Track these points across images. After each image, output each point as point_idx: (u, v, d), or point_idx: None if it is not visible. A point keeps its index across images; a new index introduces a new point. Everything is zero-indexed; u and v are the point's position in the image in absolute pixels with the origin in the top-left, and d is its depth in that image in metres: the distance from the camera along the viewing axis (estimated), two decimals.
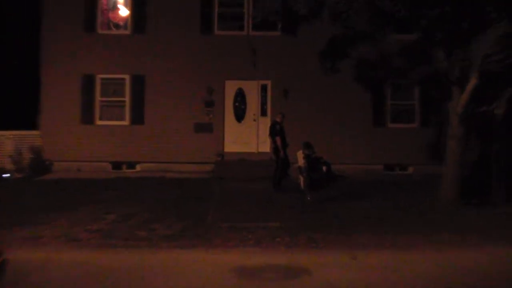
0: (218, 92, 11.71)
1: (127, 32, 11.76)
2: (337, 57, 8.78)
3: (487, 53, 7.07)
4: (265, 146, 11.47)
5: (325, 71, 9.07)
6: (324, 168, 8.17)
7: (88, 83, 11.58)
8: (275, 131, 9.03)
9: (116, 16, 11.86)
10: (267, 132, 9.82)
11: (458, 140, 7.78)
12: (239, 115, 11.97)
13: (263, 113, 11.93)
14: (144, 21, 11.65)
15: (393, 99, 11.82)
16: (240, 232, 6.00)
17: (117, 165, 11.62)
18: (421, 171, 11.22)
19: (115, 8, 11.81)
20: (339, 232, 6.08)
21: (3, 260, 3.87)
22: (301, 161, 8.25)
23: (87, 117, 11.58)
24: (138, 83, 11.66)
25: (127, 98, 11.70)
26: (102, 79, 11.68)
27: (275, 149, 9.10)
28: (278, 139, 8.92)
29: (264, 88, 11.96)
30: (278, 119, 9.23)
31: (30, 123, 11.70)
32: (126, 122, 11.69)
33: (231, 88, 11.93)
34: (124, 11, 11.77)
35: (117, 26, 11.91)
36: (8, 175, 10.82)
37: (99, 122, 11.66)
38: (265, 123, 11.54)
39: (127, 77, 11.69)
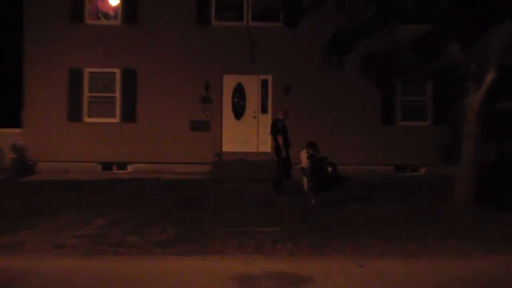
0: (215, 88, 11.70)
1: (118, 22, 11.75)
2: (343, 50, 8.74)
3: (505, 45, 7.04)
4: (266, 146, 11.48)
5: (330, 65, 9.05)
6: (329, 169, 8.20)
7: (75, 77, 11.58)
8: (277, 129, 9.03)
9: (106, 6, 11.85)
10: (268, 131, 9.81)
11: (473, 139, 7.77)
12: (238, 112, 11.97)
13: (264, 110, 11.93)
14: (135, 11, 11.65)
15: (404, 95, 11.81)
16: (239, 237, 5.99)
17: (107, 166, 11.63)
18: (434, 172, 11.22)
19: None
20: (345, 237, 6.07)
21: None
22: (304, 162, 8.25)
23: (74, 114, 11.57)
24: (129, 77, 11.66)
25: (117, 94, 11.70)
26: (91, 73, 11.67)
27: (276, 148, 9.10)
28: (280, 137, 8.91)
29: (264, 83, 11.95)
30: (280, 117, 9.23)
31: (12, 121, 11.69)
32: (116, 120, 11.69)
33: (229, 83, 11.93)
34: (114, 0, 11.75)
35: (106, 16, 11.90)
36: None
37: (87, 120, 11.66)
38: (266, 121, 11.55)
39: (117, 71, 11.69)
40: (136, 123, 11.64)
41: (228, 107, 11.93)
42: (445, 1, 6.87)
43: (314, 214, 7.35)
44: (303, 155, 8.32)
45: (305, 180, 8.26)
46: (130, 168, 11.67)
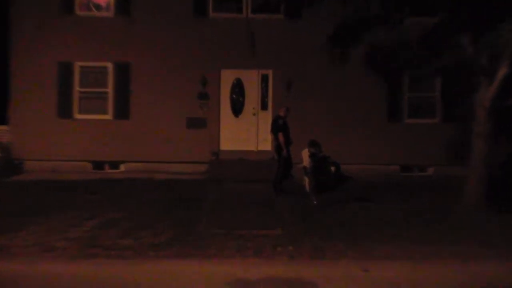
0: (213, 83, 11.69)
1: (110, 14, 11.71)
2: (348, 43, 8.73)
3: None
4: (266, 144, 11.48)
5: (334, 59, 9.05)
6: (332, 168, 8.20)
7: (65, 71, 11.55)
8: (278, 126, 9.02)
9: None
10: (268, 128, 9.81)
11: (484, 137, 7.76)
12: (237, 109, 11.96)
13: (264, 106, 11.92)
14: (129, 1, 11.61)
15: (411, 91, 11.80)
16: (237, 240, 5.99)
17: (98, 165, 11.62)
18: (442, 172, 11.23)
19: None
20: (349, 240, 6.07)
21: None
22: (306, 161, 8.25)
23: (64, 110, 11.55)
24: (123, 72, 11.63)
25: (110, 89, 11.68)
26: (81, 67, 11.65)
27: (277, 147, 9.10)
28: (280, 135, 8.91)
29: (265, 79, 11.94)
30: (281, 114, 9.21)
31: None
32: (108, 116, 11.68)
33: (227, 78, 11.91)
34: None
35: (98, 7, 11.86)
36: None
37: (78, 116, 11.64)
38: (266, 118, 11.54)
39: (109, 65, 11.67)
40: (129, 120, 11.63)
41: (226, 104, 11.91)
42: None
43: (316, 216, 7.34)
44: (305, 154, 8.31)
45: (306, 180, 8.26)
46: (123, 167, 11.66)
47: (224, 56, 11.66)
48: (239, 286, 4.66)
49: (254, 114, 11.91)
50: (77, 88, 11.64)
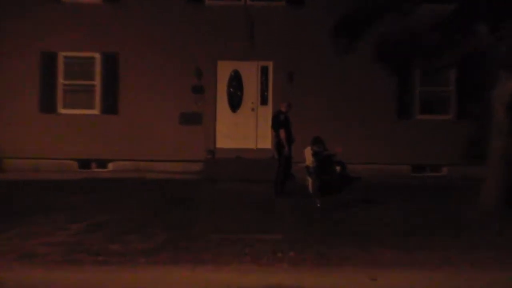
0: (208, 75, 11.68)
1: (97, 0, 11.68)
2: (355, 33, 8.70)
3: None
4: (266, 141, 11.48)
5: (340, 50, 9.02)
6: (337, 168, 8.15)
7: (48, 62, 11.53)
8: (279, 122, 9.01)
9: None
10: (269, 124, 9.79)
11: (503, 135, 7.74)
12: (234, 104, 11.94)
13: (264, 101, 11.91)
14: None
15: (423, 85, 11.80)
16: (235, 246, 5.97)
17: (85, 164, 11.61)
18: (457, 173, 11.24)
19: None
20: (356, 246, 6.05)
21: None
22: (309, 160, 8.23)
23: (48, 104, 11.54)
24: (111, 63, 11.61)
25: (97, 82, 11.67)
26: (66, 57, 11.64)
27: (278, 144, 9.08)
28: (282, 132, 8.90)
29: (264, 71, 11.92)
30: (283, 109, 9.21)
31: None
32: (96, 111, 11.66)
33: (224, 70, 11.90)
34: None
35: None
36: None
37: (62, 111, 11.62)
38: (266, 114, 11.54)
39: (97, 55, 11.64)
40: (118, 115, 11.62)
41: (223, 98, 11.89)
42: None
43: (320, 219, 7.33)
44: (308, 152, 8.29)
45: (309, 181, 8.24)
46: (111, 166, 11.65)
47: (220, 47, 11.64)
48: None
49: (253, 109, 11.89)
50: (61, 80, 11.62)
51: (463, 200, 8.36)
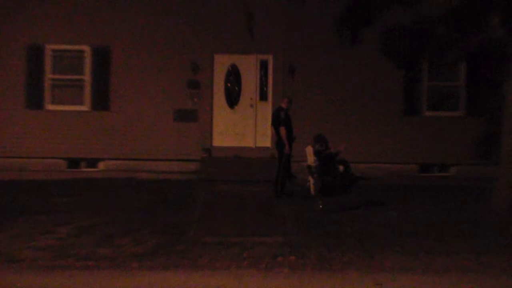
0: (204, 70, 11.65)
1: None
2: (360, 23, 8.69)
3: None
4: (265, 140, 11.47)
5: (344, 42, 9.00)
6: (340, 167, 8.16)
7: (34, 56, 11.48)
8: (280, 119, 9.01)
9: None
10: (268, 122, 9.79)
11: None
12: (232, 99, 11.93)
13: (263, 97, 11.89)
14: None
15: (431, 79, 11.77)
16: (232, 249, 5.98)
17: (74, 163, 11.59)
18: (466, 173, 11.23)
19: None
20: (359, 250, 6.06)
21: None
22: (311, 159, 8.23)
23: (34, 100, 11.50)
24: (102, 56, 11.58)
25: (87, 76, 11.62)
26: (54, 50, 11.59)
27: (278, 142, 9.08)
28: (283, 129, 8.89)
29: (264, 65, 11.91)
30: (283, 105, 9.21)
31: None
32: (85, 107, 11.64)
33: (221, 64, 11.88)
34: None
35: None
36: None
37: (50, 107, 11.59)
38: (265, 110, 11.53)
39: (87, 48, 11.60)
40: (109, 111, 11.59)
41: (220, 93, 11.88)
42: None
43: (322, 222, 7.34)
44: (309, 151, 8.29)
45: (311, 181, 8.25)
46: (101, 165, 11.63)
47: (217, 39, 11.61)
48: None
49: (251, 106, 11.88)
50: (49, 75, 11.57)
51: (473, 202, 8.38)
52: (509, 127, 7.81)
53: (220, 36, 11.61)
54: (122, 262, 5.58)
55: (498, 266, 5.64)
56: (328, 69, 11.53)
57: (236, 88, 11.96)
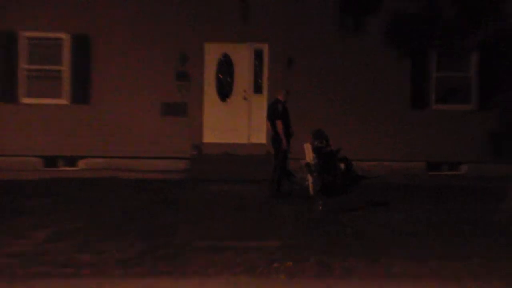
0: (194, 60, 11.67)
1: None
2: (363, 10, 8.69)
3: None
4: (260, 135, 11.49)
5: (346, 30, 9.01)
6: (341, 165, 8.17)
7: (7, 44, 11.46)
8: (276, 113, 9.03)
9: None
10: (263, 116, 9.80)
11: None
12: (224, 92, 11.95)
13: (257, 89, 11.91)
14: None
15: (440, 69, 11.83)
16: (225, 254, 5.97)
17: (51, 161, 11.59)
18: (478, 171, 11.29)
19: None
20: (362, 255, 6.06)
21: None
22: (309, 156, 8.24)
23: (7, 93, 11.49)
24: (82, 45, 11.56)
25: (65, 67, 11.62)
26: (29, 38, 11.57)
27: (274, 137, 9.08)
28: (279, 123, 8.92)
29: (259, 55, 11.92)
30: (280, 97, 9.24)
31: None
32: (64, 101, 11.62)
33: (212, 53, 11.89)
34: None
35: None
36: None
37: (25, 100, 11.57)
38: (260, 103, 11.56)
39: (65, 36, 11.59)
40: (89, 105, 11.59)
41: (211, 85, 11.89)
42: None
43: (322, 224, 7.35)
44: (308, 147, 8.30)
45: (310, 180, 8.26)
46: (82, 163, 11.62)
47: (208, 26, 11.62)
48: None
49: (245, 98, 11.88)
50: (23, 65, 11.54)
51: (486, 203, 8.39)
52: None
53: (211, 23, 11.60)
54: (104, 269, 5.55)
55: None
56: (328, 59, 11.54)
57: (229, 80, 11.97)
